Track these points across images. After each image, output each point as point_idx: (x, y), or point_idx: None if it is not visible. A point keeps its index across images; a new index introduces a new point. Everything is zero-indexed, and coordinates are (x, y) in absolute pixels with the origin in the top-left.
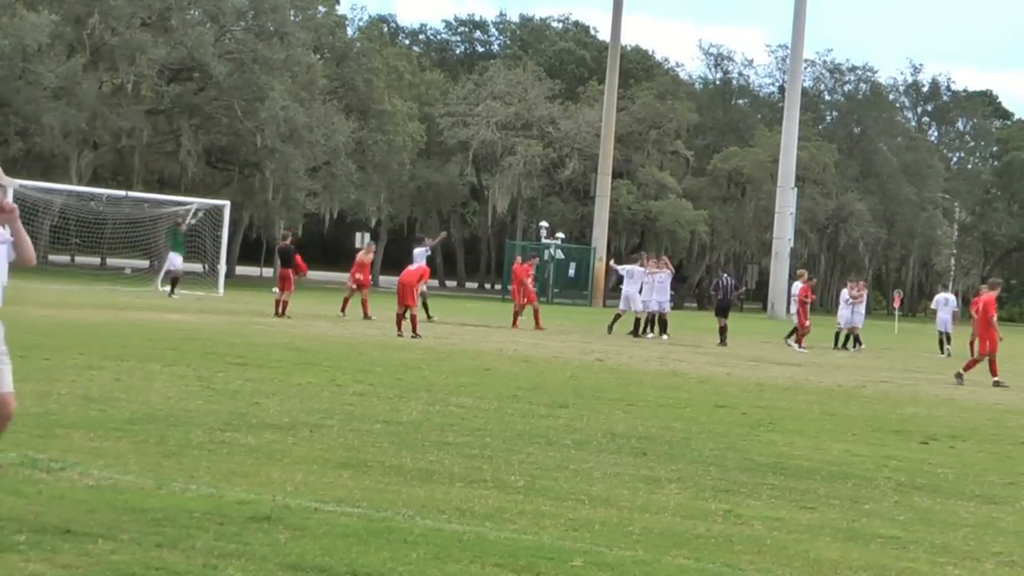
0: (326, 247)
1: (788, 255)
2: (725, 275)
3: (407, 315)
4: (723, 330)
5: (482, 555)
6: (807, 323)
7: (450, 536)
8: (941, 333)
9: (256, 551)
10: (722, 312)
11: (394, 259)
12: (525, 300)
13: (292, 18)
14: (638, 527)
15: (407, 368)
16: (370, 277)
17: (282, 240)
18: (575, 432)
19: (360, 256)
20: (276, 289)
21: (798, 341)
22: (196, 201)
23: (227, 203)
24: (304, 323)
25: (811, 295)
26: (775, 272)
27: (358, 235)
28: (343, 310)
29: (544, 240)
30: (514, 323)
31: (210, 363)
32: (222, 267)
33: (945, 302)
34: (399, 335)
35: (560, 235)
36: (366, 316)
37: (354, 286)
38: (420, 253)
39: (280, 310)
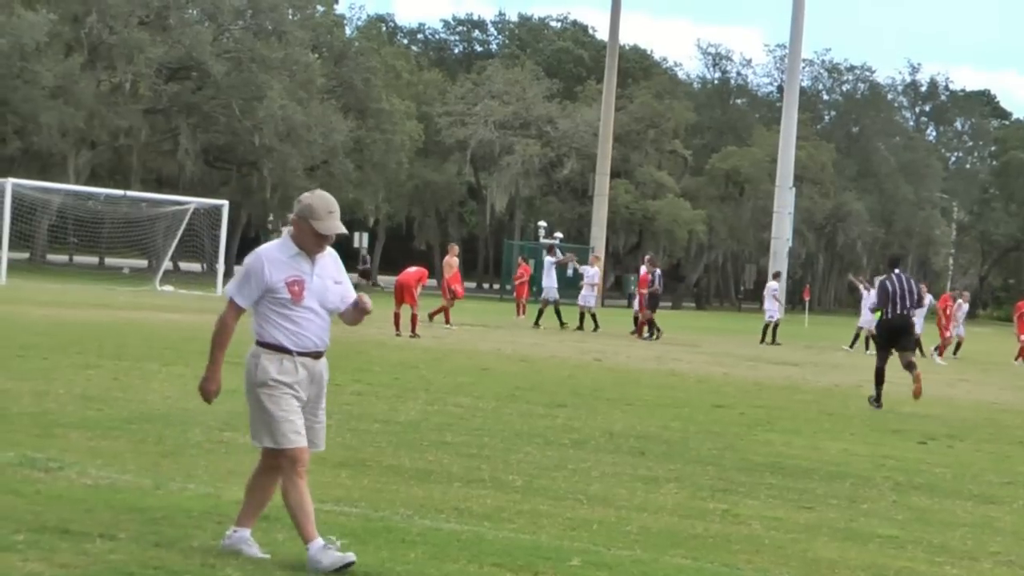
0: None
1: (786, 255)
2: (657, 269)
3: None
4: (651, 323)
5: (480, 555)
6: (948, 335)
7: (448, 536)
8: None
9: None
10: (654, 306)
11: (392, 259)
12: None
13: (290, 17)
14: (636, 527)
15: (405, 368)
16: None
17: None
18: (573, 432)
19: (449, 260)
20: None
21: (940, 351)
22: (195, 200)
23: (225, 202)
24: None
25: (950, 305)
26: (773, 272)
27: (356, 235)
28: (448, 321)
29: (542, 240)
30: (639, 332)
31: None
32: (220, 266)
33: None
34: (397, 335)
35: (558, 234)
36: (447, 321)
37: (451, 296)
38: (549, 263)
39: None
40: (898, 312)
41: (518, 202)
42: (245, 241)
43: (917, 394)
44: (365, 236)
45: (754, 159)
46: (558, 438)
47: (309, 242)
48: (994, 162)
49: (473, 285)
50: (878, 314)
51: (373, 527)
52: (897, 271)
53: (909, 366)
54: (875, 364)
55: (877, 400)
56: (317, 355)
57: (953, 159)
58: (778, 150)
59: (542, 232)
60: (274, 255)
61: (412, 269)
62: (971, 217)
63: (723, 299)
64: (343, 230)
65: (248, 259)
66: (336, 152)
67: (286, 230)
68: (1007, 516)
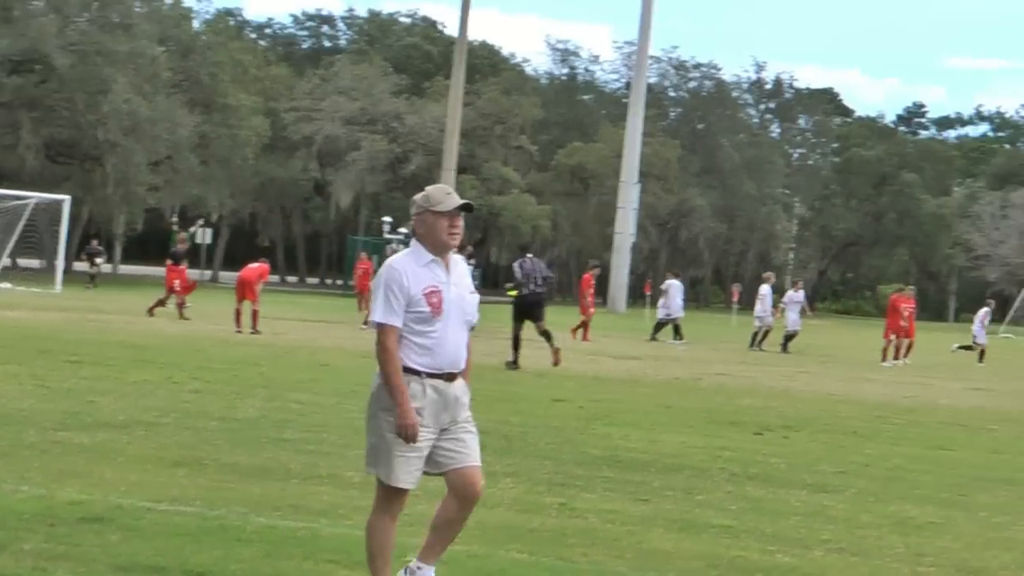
0: (167, 243)
1: (629, 250)
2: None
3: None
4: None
5: (315, 551)
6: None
7: (284, 533)
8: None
9: (87, 552)
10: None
11: (235, 255)
12: (592, 310)
13: (137, 10)
14: (472, 522)
15: (245, 364)
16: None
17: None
18: None
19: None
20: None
21: (885, 354)
22: (35, 195)
23: (67, 197)
24: (141, 320)
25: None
26: (616, 267)
27: (199, 231)
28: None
29: (387, 235)
30: (585, 335)
31: (44, 361)
32: (60, 263)
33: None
34: (237, 331)
35: (403, 230)
36: None
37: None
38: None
39: (153, 308)
40: (532, 290)
41: (363, 198)
42: (86, 237)
43: (556, 363)
44: (208, 232)
45: (600, 155)
46: None
47: (440, 231)
48: (836, 159)
49: (316, 281)
50: (512, 292)
51: (208, 526)
52: (529, 255)
53: (544, 334)
54: (512, 333)
55: (514, 363)
56: (450, 376)
57: (796, 156)
58: (624, 146)
59: (387, 228)
60: (408, 264)
61: (254, 265)
62: (812, 212)
63: (566, 294)
64: (464, 201)
65: (382, 272)
66: (181, 147)
67: (412, 242)
68: (839, 504)
